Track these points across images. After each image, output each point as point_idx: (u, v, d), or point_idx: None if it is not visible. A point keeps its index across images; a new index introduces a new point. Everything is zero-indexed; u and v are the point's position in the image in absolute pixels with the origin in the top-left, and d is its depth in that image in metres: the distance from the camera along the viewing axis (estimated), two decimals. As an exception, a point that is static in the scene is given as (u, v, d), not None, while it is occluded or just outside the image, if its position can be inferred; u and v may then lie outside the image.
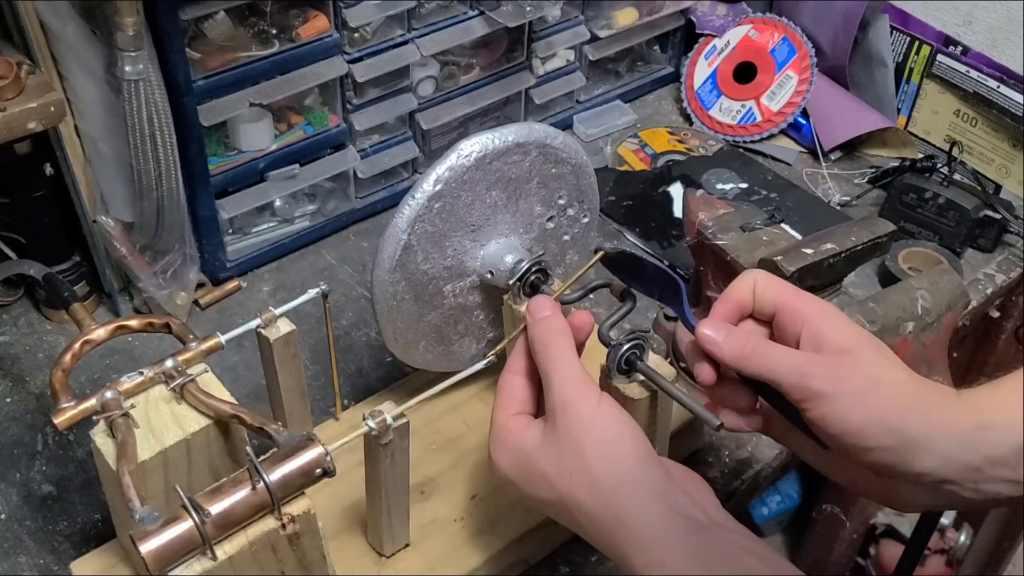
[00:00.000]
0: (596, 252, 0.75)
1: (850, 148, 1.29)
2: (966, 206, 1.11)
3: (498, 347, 0.75)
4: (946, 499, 0.64)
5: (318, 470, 0.61)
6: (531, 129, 0.78)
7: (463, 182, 0.76)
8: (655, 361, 0.74)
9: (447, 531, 0.80)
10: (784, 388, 0.63)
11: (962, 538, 1.62)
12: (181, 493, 0.58)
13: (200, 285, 1.04)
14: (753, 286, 0.68)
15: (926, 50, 1.27)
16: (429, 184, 0.75)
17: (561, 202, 0.84)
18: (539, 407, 0.70)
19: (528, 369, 0.70)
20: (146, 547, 0.56)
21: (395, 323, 0.81)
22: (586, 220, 0.87)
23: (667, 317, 0.98)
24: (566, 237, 0.87)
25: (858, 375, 0.62)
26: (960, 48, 1.25)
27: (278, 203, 1.10)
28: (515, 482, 0.67)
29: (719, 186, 1.23)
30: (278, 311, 0.76)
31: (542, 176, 0.81)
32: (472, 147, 0.76)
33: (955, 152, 1.17)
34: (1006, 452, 0.61)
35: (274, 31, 0.98)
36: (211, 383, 0.69)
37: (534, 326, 0.70)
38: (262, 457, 0.60)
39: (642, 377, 0.72)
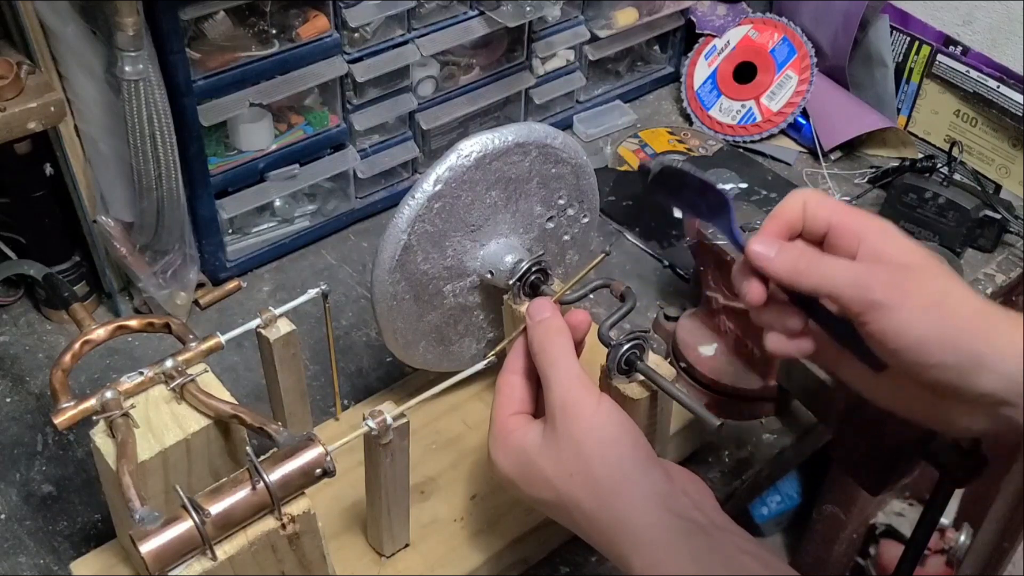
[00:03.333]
0: (602, 253, 0.75)
1: (850, 148, 1.29)
2: (966, 206, 1.11)
3: (498, 347, 0.75)
4: (1002, 424, 0.61)
5: (318, 470, 0.61)
6: (531, 129, 0.78)
7: (463, 182, 0.76)
8: (655, 361, 0.75)
9: (447, 531, 0.80)
10: (843, 300, 0.60)
11: (962, 538, 1.62)
12: (181, 493, 0.58)
13: (200, 285, 1.04)
14: (803, 205, 0.65)
15: (926, 50, 1.27)
16: (429, 184, 0.75)
17: (561, 202, 0.84)
18: (538, 406, 0.70)
19: (527, 369, 0.70)
20: (146, 547, 0.56)
21: (395, 323, 0.81)
22: (586, 220, 0.87)
23: (667, 317, 0.98)
24: (566, 237, 0.87)
25: (923, 288, 0.60)
26: (960, 48, 1.25)
27: (278, 203, 1.10)
28: (515, 482, 0.67)
29: (719, 186, 1.23)
30: (278, 311, 0.76)
31: (542, 176, 0.81)
32: (472, 147, 0.76)
33: (955, 152, 1.17)
34: None
35: (274, 31, 0.98)
36: (211, 383, 0.69)
37: (533, 327, 0.70)
38: (262, 457, 0.60)
39: (642, 377, 0.73)
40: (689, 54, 1.36)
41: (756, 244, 0.63)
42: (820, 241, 0.65)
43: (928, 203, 1.12)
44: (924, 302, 0.59)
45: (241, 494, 0.59)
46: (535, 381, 0.70)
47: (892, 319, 0.59)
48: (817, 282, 0.61)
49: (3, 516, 0.84)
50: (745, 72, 1.31)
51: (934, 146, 1.31)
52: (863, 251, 0.62)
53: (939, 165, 1.17)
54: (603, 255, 0.78)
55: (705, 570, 0.58)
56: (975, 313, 0.60)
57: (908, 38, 1.28)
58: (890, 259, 0.61)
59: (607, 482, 0.62)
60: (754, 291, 0.64)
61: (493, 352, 0.74)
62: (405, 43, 1.07)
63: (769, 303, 0.65)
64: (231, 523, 0.59)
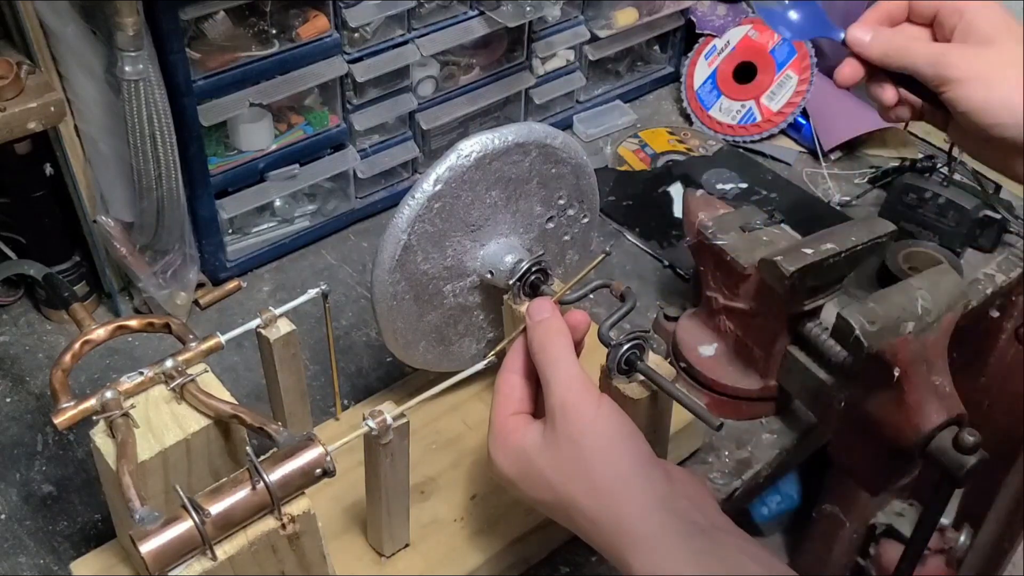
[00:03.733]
0: (603, 253, 0.76)
1: (850, 148, 1.29)
2: (966, 206, 1.11)
3: (498, 348, 0.75)
4: None
5: (318, 470, 0.61)
6: (531, 129, 0.78)
7: (463, 182, 0.76)
8: (655, 361, 0.75)
9: (447, 531, 0.80)
10: (923, 77, 0.76)
11: (962, 538, 1.62)
12: (181, 493, 0.58)
13: (200, 285, 1.04)
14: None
15: (926, 50, 1.26)
16: (429, 184, 0.75)
17: (561, 202, 0.84)
18: (537, 406, 0.70)
19: (526, 368, 0.70)
20: (146, 547, 0.56)
21: (395, 323, 0.81)
22: (586, 220, 0.87)
23: (667, 317, 0.98)
24: (566, 237, 0.87)
25: (991, 63, 0.74)
26: (960, 48, 1.25)
27: (278, 203, 1.10)
28: (515, 482, 0.67)
29: (719, 186, 1.23)
30: (278, 311, 0.76)
31: (542, 176, 0.81)
32: (472, 147, 0.76)
33: (955, 152, 1.17)
34: None
35: (274, 31, 0.98)
36: (211, 383, 0.69)
37: (533, 328, 0.70)
38: (262, 457, 0.60)
39: (642, 377, 0.73)
40: (689, 54, 1.36)
41: (854, 30, 0.79)
42: (930, 23, 0.79)
43: (928, 203, 1.12)
44: (988, 75, 0.73)
45: (241, 494, 0.59)
46: (534, 381, 0.70)
47: (961, 90, 0.74)
48: (903, 62, 0.77)
49: (3, 516, 0.84)
50: (745, 72, 1.31)
51: (934, 146, 1.31)
52: (960, 28, 0.76)
53: (939, 165, 1.16)
54: (603, 255, 0.78)
55: (705, 571, 0.58)
56: None
57: (908, 38, 1.28)
58: (977, 33, 0.75)
59: (607, 484, 0.62)
60: (844, 72, 0.80)
61: (493, 352, 0.74)
62: (405, 43, 1.07)
63: (874, 78, 0.80)
64: (231, 523, 0.59)
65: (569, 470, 0.63)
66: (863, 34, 0.79)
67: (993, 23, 0.75)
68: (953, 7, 0.77)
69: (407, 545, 0.78)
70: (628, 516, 0.61)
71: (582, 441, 0.63)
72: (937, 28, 0.79)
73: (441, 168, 0.75)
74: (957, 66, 0.74)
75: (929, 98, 0.78)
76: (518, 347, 0.71)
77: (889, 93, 0.80)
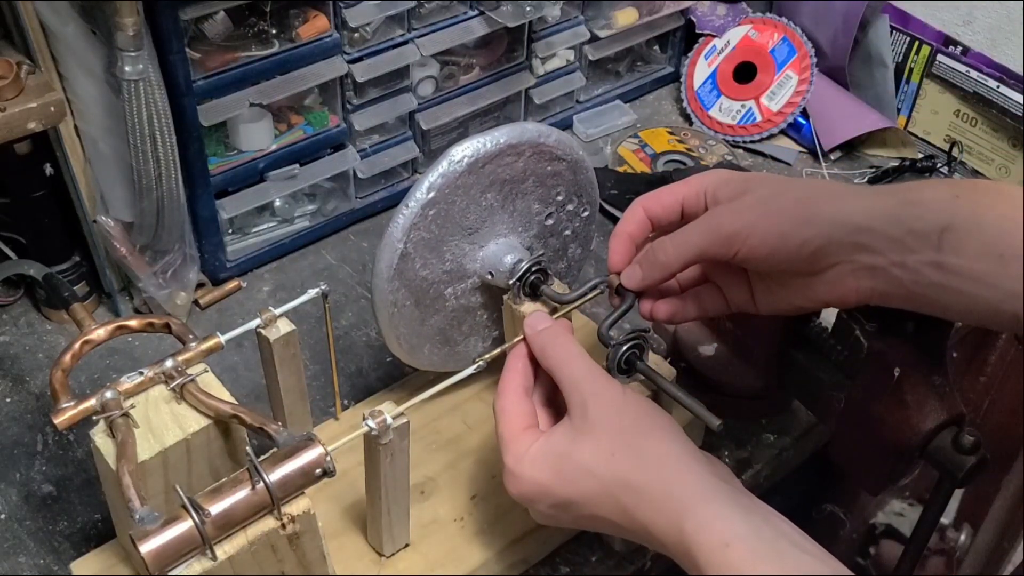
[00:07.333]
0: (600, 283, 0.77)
1: (850, 148, 1.29)
2: (966, 206, 1.11)
3: (493, 353, 0.74)
4: (879, 281, 0.66)
5: (318, 470, 0.61)
6: (523, 129, 0.78)
7: (456, 187, 0.76)
8: (655, 361, 0.75)
9: (447, 531, 0.80)
10: (712, 254, 0.69)
11: (962, 538, 1.62)
12: (181, 493, 0.58)
13: (200, 285, 1.04)
14: (643, 209, 0.74)
15: (926, 50, 1.27)
16: (422, 192, 0.75)
17: (559, 198, 0.84)
18: (542, 421, 0.71)
19: (525, 388, 0.71)
20: (146, 547, 0.56)
21: (398, 329, 0.81)
22: (586, 214, 0.87)
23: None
24: (567, 232, 0.87)
25: (755, 201, 0.68)
26: (960, 48, 1.25)
27: (278, 203, 1.10)
28: (550, 486, 0.66)
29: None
30: (278, 311, 0.76)
31: (538, 175, 0.81)
32: (463, 152, 0.75)
33: (955, 152, 1.17)
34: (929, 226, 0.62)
35: (274, 31, 0.98)
36: (211, 383, 0.69)
37: (535, 337, 0.70)
38: (262, 457, 0.61)
39: (642, 377, 0.73)
40: (689, 54, 1.36)
41: (623, 278, 0.73)
42: (680, 222, 0.73)
43: (928, 203, 1.12)
44: (758, 209, 0.67)
45: (241, 494, 0.59)
46: (533, 399, 0.71)
47: (747, 239, 0.67)
48: (686, 257, 0.70)
49: (3, 516, 0.84)
50: (745, 72, 1.31)
51: (934, 146, 1.31)
52: (709, 203, 0.71)
53: (939, 165, 1.17)
54: (599, 290, 0.78)
55: (753, 529, 0.59)
56: (819, 189, 0.69)
57: (908, 38, 1.28)
58: (725, 199, 0.70)
59: (653, 452, 0.63)
60: (651, 309, 0.75)
61: (488, 356, 0.73)
62: (405, 43, 1.07)
63: (693, 289, 0.76)
64: (231, 523, 0.59)
65: (610, 448, 0.64)
66: (631, 274, 0.73)
67: (732, 186, 0.70)
68: (695, 194, 0.72)
69: (407, 545, 0.78)
70: (678, 479, 0.62)
71: (619, 419, 0.64)
72: (689, 219, 0.73)
73: (433, 175, 0.75)
74: (728, 220, 0.68)
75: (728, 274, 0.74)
76: (512, 368, 0.71)
77: (714, 294, 0.76)
